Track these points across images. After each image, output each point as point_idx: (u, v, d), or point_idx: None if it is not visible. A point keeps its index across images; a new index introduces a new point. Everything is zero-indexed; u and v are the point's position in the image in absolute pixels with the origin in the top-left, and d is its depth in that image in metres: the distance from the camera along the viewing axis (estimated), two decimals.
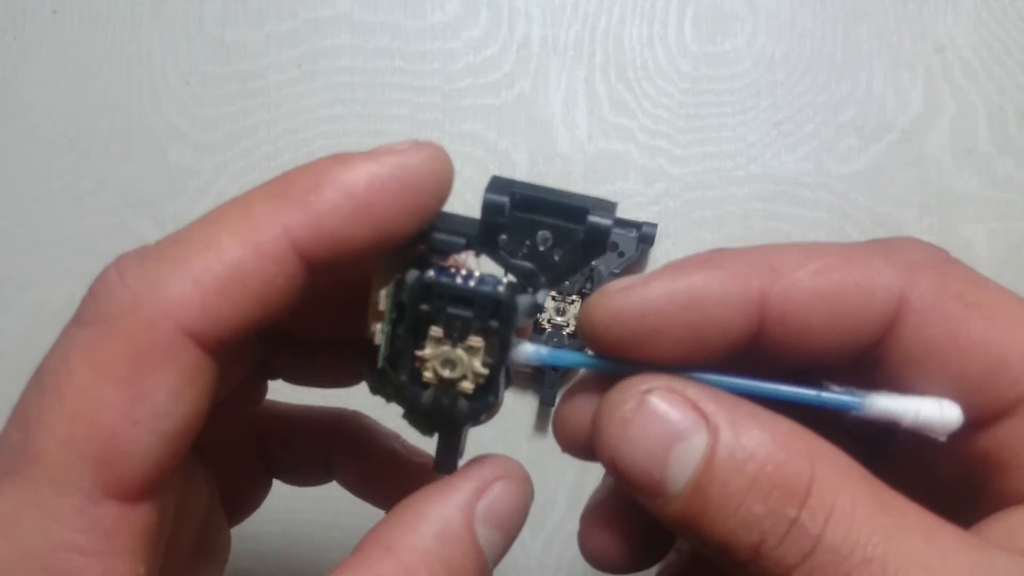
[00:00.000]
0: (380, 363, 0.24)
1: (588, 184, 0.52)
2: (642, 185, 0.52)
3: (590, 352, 0.24)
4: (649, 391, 0.21)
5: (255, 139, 0.54)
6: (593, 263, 0.50)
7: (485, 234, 0.24)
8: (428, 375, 0.23)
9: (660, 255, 0.52)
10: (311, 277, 0.22)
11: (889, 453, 0.21)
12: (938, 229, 0.51)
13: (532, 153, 0.53)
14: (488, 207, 0.24)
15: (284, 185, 0.22)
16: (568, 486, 0.50)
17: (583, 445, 0.25)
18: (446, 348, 0.23)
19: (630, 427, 0.21)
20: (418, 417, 0.25)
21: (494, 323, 0.23)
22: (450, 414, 0.24)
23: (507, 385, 0.25)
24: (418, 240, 0.24)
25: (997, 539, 0.21)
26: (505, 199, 0.24)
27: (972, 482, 0.23)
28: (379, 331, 0.23)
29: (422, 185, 0.22)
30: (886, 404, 0.21)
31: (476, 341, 0.23)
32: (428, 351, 0.23)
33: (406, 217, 0.22)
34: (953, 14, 0.52)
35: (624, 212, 0.52)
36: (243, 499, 0.32)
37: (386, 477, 0.32)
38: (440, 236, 0.24)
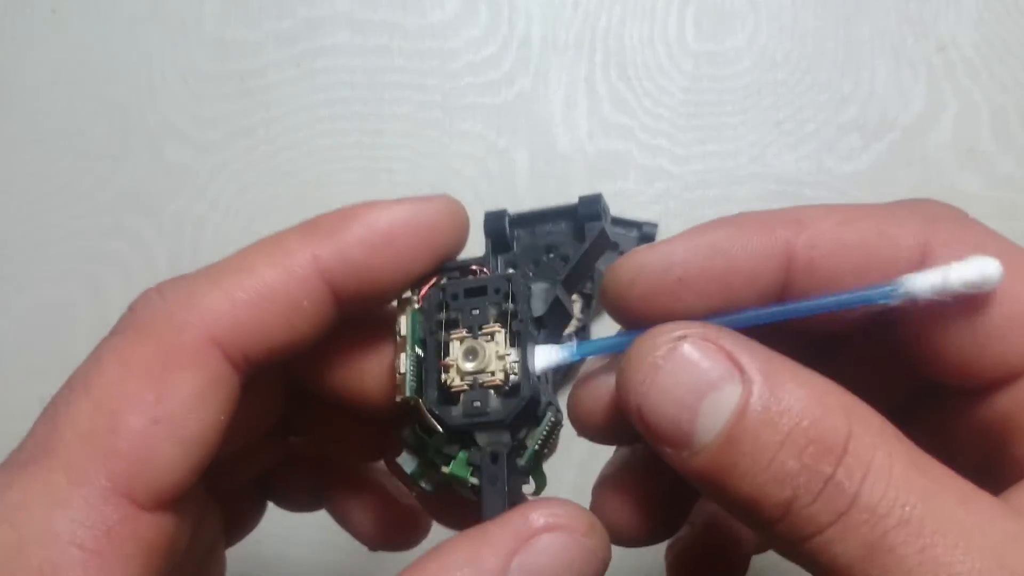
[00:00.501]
0: (409, 392, 0.23)
1: (588, 183, 0.52)
2: (642, 184, 0.52)
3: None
4: (683, 337, 0.20)
5: (254, 138, 0.54)
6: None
7: (493, 246, 0.26)
8: (456, 381, 0.23)
9: None
10: (337, 308, 0.23)
11: (906, 423, 0.20)
12: None
13: (532, 152, 0.53)
14: (489, 219, 0.26)
15: (314, 222, 0.24)
16: (568, 485, 0.50)
17: (599, 425, 0.24)
18: (468, 340, 0.23)
19: (660, 374, 0.20)
20: (452, 457, 0.23)
21: (509, 305, 0.23)
22: (484, 421, 0.23)
23: (551, 397, 0.24)
24: (434, 278, 0.25)
25: None
26: (503, 210, 0.26)
27: (991, 449, 0.22)
28: (403, 361, 0.23)
29: (438, 225, 0.24)
30: (926, 279, 0.20)
31: (494, 327, 0.23)
32: (452, 355, 0.23)
33: (424, 253, 0.24)
34: (955, 13, 0.52)
35: (624, 212, 0.51)
36: (241, 522, 0.32)
37: (371, 513, 0.32)
38: (451, 263, 0.25)
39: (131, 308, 0.23)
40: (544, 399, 0.23)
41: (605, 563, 0.21)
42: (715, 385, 0.19)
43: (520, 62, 0.53)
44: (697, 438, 0.19)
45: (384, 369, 0.25)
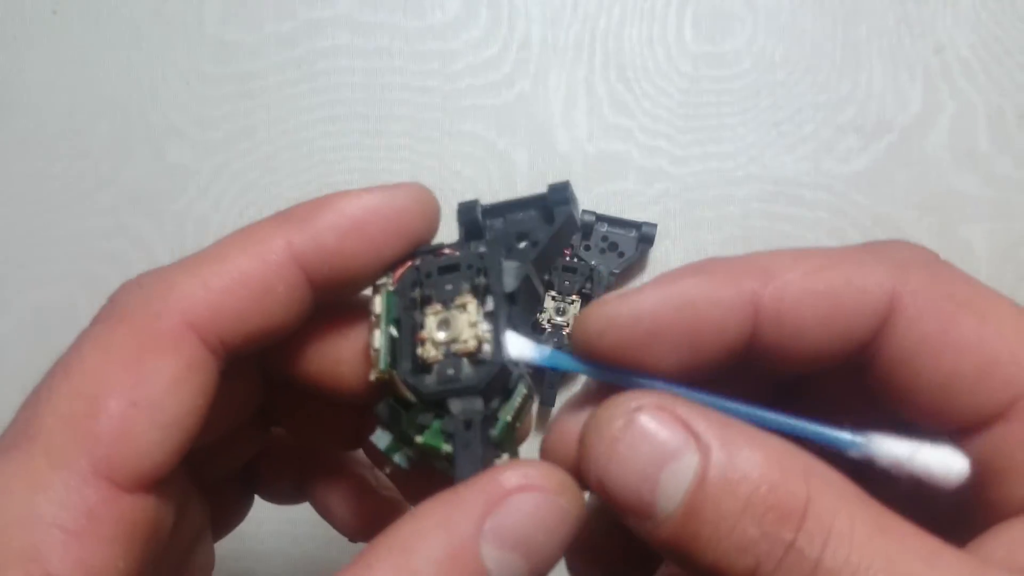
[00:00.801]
0: (383, 365, 0.24)
1: (588, 184, 0.52)
2: (642, 185, 0.52)
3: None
4: (639, 409, 0.20)
5: (255, 139, 0.54)
6: (593, 263, 0.50)
7: (467, 234, 0.26)
8: (430, 353, 0.23)
9: (660, 255, 0.52)
10: (313, 294, 0.24)
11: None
12: (937, 229, 0.51)
13: (532, 153, 0.53)
14: (461, 209, 0.27)
15: (288, 212, 0.25)
16: None
17: (573, 470, 0.24)
18: (441, 312, 0.24)
19: (619, 447, 0.20)
20: (427, 427, 0.23)
21: (482, 279, 0.24)
22: (458, 387, 0.23)
23: (524, 371, 0.24)
24: (408, 262, 0.25)
25: (997, 556, 0.20)
26: (475, 200, 0.27)
27: (968, 493, 0.22)
28: (376, 337, 0.24)
29: (408, 211, 0.24)
30: (890, 448, 0.20)
31: (467, 298, 0.24)
32: (426, 329, 0.24)
33: (395, 238, 0.24)
34: (952, 15, 0.52)
35: (624, 212, 0.52)
36: (228, 515, 0.33)
37: (352, 504, 0.32)
38: (424, 247, 0.25)
39: (111, 298, 0.23)
40: (516, 370, 0.24)
41: (579, 521, 0.21)
42: (673, 455, 0.19)
43: (520, 63, 0.53)
44: (659, 509, 0.20)
45: (358, 353, 0.26)
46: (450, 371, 0.23)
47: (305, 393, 0.27)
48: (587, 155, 0.53)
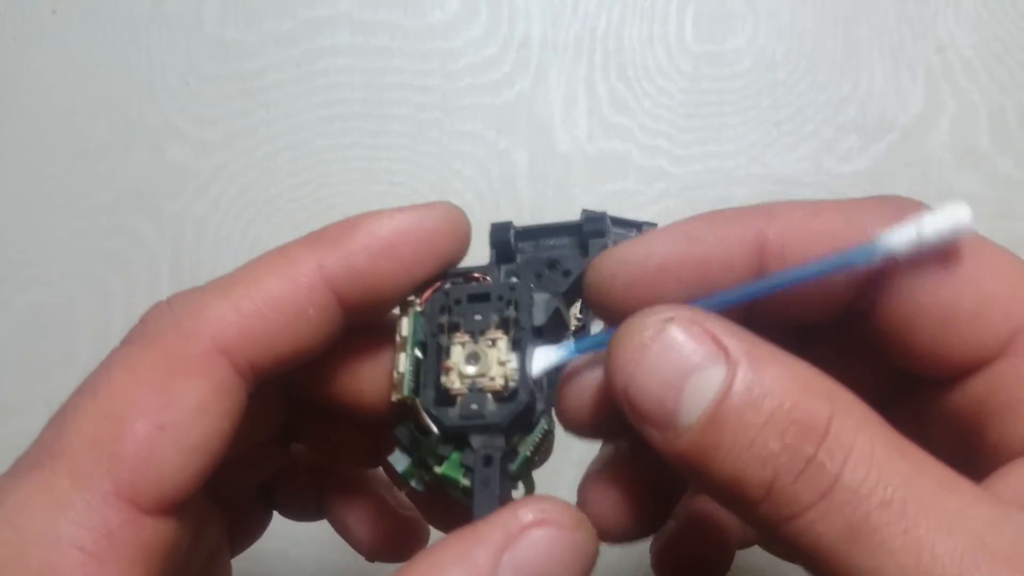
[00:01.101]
0: (407, 391, 0.23)
1: (588, 184, 0.52)
2: (642, 185, 0.52)
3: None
4: (670, 319, 0.20)
5: (254, 138, 0.54)
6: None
7: (497, 256, 0.26)
8: (455, 384, 0.23)
9: None
10: (344, 316, 0.24)
11: (884, 414, 0.21)
12: None
13: (532, 153, 0.53)
14: (494, 230, 0.26)
15: (319, 233, 0.25)
16: (569, 486, 0.50)
17: (585, 420, 0.24)
18: (469, 344, 0.23)
19: (647, 354, 0.20)
20: (445, 458, 0.23)
21: (511, 312, 0.23)
22: (481, 423, 0.23)
23: (548, 404, 0.24)
24: (438, 283, 0.25)
25: (1007, 495, 0.20)
26: (508, 222, 0.26)
27: (968, 435, 0.22)
28: (402, 360, 0.24)
29: (440, 232, 0.24)
30: (900, 234, 0.21)
31: (497, 334, 0.23)
32: (452, 358, 0.23)
33: (426, 259, 0.24)
34: (954, 13, 0.52)
35: (624, 212, 0.51)
36: (246, 531, 0.33)
37: (370, 523, 0.32)
38: (454, 270, 0.25)
39: (141, 319, 0.23)
40: (539, 407, 0.23)
41: (593, 557, 0.21)
42: (700, 366, 0.19)
43: (520, 63, 0.53)
44: (681, 418, 0.20)
45: (384, 375, 0.25)
46: (474, 406, 0.23)
47: (326, 411, 0.27)
48: (587, 154, 0.53)
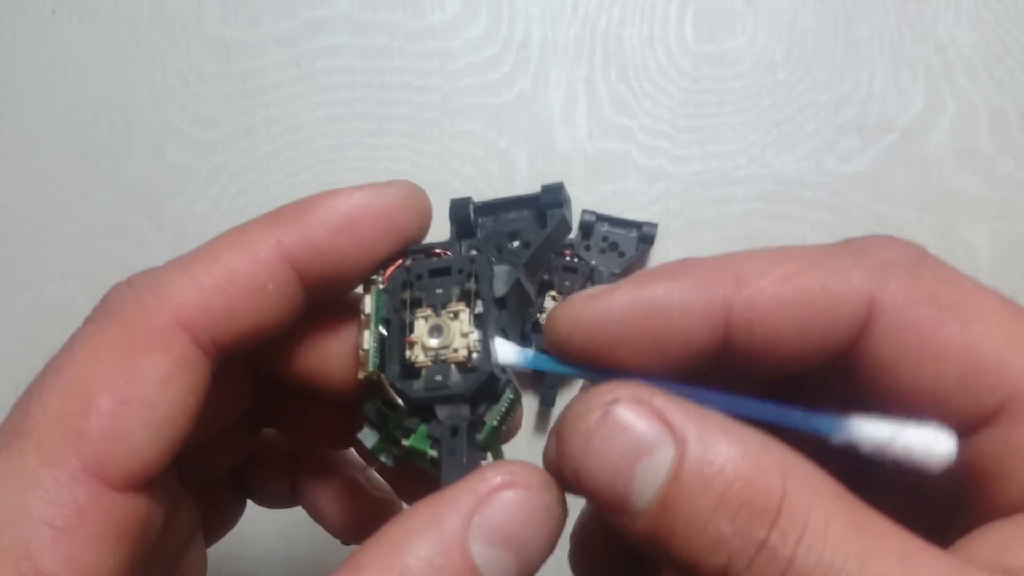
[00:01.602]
0: (371, 366, 0.24)
1: (588, 184, 0.52)
2: (642, 185, 0.52)
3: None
4: (615, 401, 0.20)
5: (254, 138, 0.54)
6: (594, 263, 0.50)
7: (458, 232, 0.26)
8: (419, 357, 0.23)
9: (660, 255, 0.52)
10: (304, 293, 0.24)
11: (870, 466, 0.20)
12: (939, 229, 0.51)
13: (532, 153, 0.53)
14: (453, 206, 0.26)
15: (278, 211, 0.25)
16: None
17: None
18: (432, 318, 0.24)
19: (594, 439, 0.20)
20: (412, 430, 0.23)
21: (472, 284, 0.24)
22: (446, 394, 0.23)
23: (511, 376, 0.24)
24: (399, 260, 0.25)
25: (981, 557, 0.20)
26: (468, 198, 0.27)
27: (956, 494, 0.22)
28: (366, 337, 0.24)
29: (399, 207, 0.24)
30: (871, 430, 0.20)
31: (459, 306, 0.24)
32: (416, 332, 0.24)
33: (385, 236, 0.24)
34: (954, 14, 0.52)
35: (624, 212, 0.51)
36: (219, 520, 0.33)
37: (344, 506, 0.32)
38: (416, 247, 0.25)
39: (102, 299, 0.24)
40: (503, 377, 0.24)
41: (562, 518, 0.21)
42: (648, 449, 0.19)
43: (520, 63, 0.53)
44: (634, 503, 0.19)
45: (349, 352, 0.26)
46: (438, 377, 0.23)
47: (295, 392, 0.27)
48: (587, 155, 0.52)
